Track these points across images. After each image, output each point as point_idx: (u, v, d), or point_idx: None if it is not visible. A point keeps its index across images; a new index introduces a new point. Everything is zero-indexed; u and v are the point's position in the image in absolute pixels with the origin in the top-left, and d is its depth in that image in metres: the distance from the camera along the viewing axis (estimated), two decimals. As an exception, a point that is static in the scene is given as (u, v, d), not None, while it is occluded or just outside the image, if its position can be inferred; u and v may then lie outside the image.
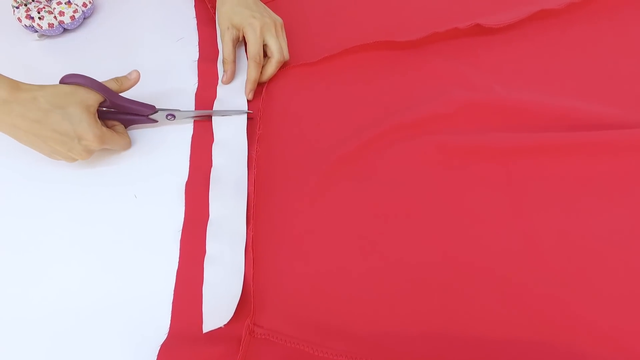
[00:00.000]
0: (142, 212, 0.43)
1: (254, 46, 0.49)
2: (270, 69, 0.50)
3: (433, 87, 0.47)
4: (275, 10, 0.53)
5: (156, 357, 0.34)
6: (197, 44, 0.57)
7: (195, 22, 0.60)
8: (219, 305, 0.36)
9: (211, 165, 0.45)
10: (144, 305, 0.38)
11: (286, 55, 0.51)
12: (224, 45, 0.51)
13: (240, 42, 0.53)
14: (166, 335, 0.36)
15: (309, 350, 0.33)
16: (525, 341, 0.33)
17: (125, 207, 0.44)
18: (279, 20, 0.51)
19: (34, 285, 0.40)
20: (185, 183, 0.44)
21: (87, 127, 0.41)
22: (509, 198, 0.40)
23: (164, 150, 0.47)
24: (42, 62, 0.59)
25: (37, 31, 0.60)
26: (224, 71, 0.51)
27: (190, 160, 0.46)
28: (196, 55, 0.56)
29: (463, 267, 0.37)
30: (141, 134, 0.49)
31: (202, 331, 0.35)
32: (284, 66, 0.52)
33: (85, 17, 0.63)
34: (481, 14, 0.51)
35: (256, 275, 0.37)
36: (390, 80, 0.49)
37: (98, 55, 0.58)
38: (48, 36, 0.61)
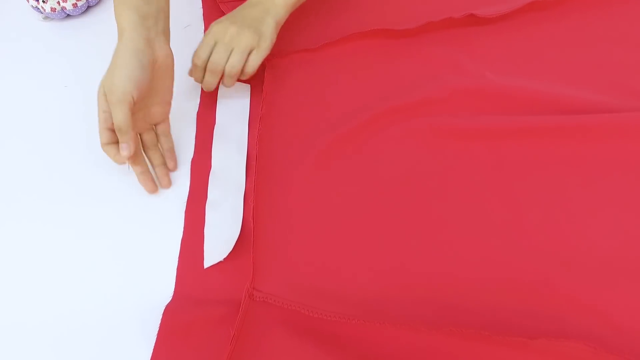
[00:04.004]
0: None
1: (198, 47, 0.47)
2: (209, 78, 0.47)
3: (427, 73, 0.49)
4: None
5: (160, 319, 0.35)
6: (204, 31, 0.58)
7: (202, 11, 0.61)
8: (218, 244, 0.39)
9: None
10: (150, 272, 0.39)
11: (231, 70, 0.45)
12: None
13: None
14: (170, 298, 0.37)
15: (305, 312, 0.34)
16: (510, 309, 0.35)
17: (133, 180, 0.45)
18: (253, 40, 0.45)
19: (45, 255, 0.42)
20: (190, 159, 0.46)
21: None
22: (497, 177, 0.41)
23: (171, 125, 0.49)
24: (47, 42, 0.60)
25: (42, 13, 0.62)
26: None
27: (195, 137, 0.48)
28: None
29: (453, 239, 0.38)
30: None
31: (204, 295, 0.36)
32: (286, 52, 0.53)
33: (90, 6, 0.64)
34: (476, 4, 0.53)
35: (256, 242, 0.39)
36: (386, 66, 0.51)
37: (99, 42, 0.59)
38: (52, 19, 0.63)
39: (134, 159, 0.41)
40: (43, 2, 0.60)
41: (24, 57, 0.59)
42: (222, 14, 0.59)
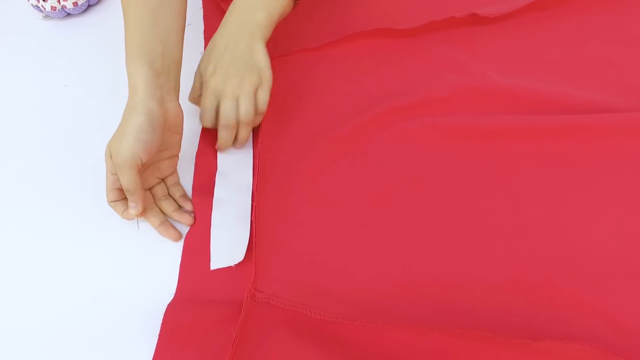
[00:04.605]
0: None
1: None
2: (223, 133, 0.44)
3: (429, 72, 0.49)
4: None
5: (162, 318, 0.35)
6: (203, 31, 0.58)
7: (202, 11, 0.61)
8: (226, 245, 0.38)
9: None
10: (152, 271, 0.39)
11: (244, 118, 0.43)
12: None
13: None
14: (172, 298, 0.37)
15: (307, 313, 0.34)
16: (514, 310, 0.35)
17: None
18: (255, 79, 0.43)
19: (47, 253, 0.41)
20: (195, 152, 0.46)
21: None
22: (500, 176, 0.41)
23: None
24: (47, 41, 0.60)
25: (42, 12, 0.61)
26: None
27: (201, 132, 0.48)
28: (202, 43, 0.57)
29: (456, 240, 0.38)
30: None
31: (206, 295, 0.36)
32: (287, 51, 0.53)
33: (91, 5, 0.63)
34: (478, 3, 0.53)
35: (258, 242, 0.39)
36: (388, 65, 0.51)
37: (99, 41, 0.59)
38: (52, 18, 0.62)
39: (148, 213, 0.40)
40: (43, 0, 0.60)
41: (24, 56, 0.59)
42: (223, 12, 0.58)
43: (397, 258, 0.38)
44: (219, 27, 0.46)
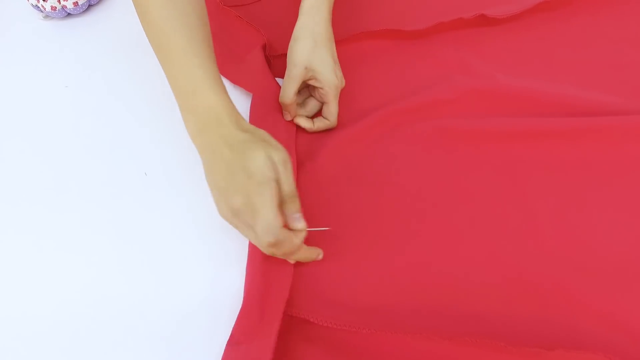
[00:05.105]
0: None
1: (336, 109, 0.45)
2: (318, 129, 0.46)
3: (437, 74, 0.48)
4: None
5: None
6: None
7: None
8: None
9: None
10: (153, 272, 0.39)
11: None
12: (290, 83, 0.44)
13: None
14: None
15: (315, 321, 0.34)
16: (525, 317, 0.34)
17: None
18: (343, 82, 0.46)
19: (45, 253, 0.41)
20: None
21: None
22: (508, 180, 0.41)
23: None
24: (47, 42, 0.59)
25: (42, 12, 0.61)
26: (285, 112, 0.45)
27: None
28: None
29: (463, 245, 0.38)
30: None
31: None
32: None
33: (91, 5, 0.63)
34: (486, 5, 0.52)
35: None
36: (395, 67, 0.50)
37: (100, 42, 0.58)
38: (52, 18, 0.62)
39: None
40: (43, 0, 0.59)
41: (24, 57, 0.58)
42: (226, 15, 0.58)
43: (404, 264, 0.37)
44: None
